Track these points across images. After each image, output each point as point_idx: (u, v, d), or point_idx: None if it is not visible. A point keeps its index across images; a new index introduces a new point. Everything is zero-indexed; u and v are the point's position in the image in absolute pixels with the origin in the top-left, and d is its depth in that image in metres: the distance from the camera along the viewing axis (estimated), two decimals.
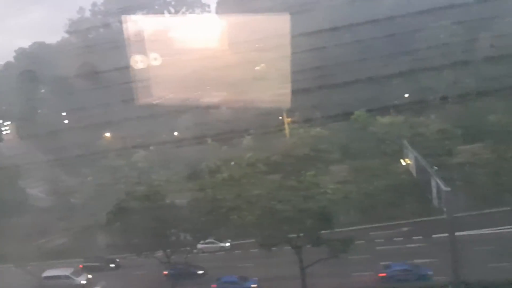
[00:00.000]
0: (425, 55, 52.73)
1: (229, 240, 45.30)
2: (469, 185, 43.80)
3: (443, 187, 34.53)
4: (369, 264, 37.97)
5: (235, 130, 49.24)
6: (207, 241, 44.33)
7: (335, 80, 47.27)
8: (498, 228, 39.69)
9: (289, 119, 49.67)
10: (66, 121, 61.85)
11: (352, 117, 49.45)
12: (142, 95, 40.54)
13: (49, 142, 51.76)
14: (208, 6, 68.11)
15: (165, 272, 39.81)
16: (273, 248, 36.60)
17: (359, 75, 47.76)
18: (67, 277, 40.26)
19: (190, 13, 64.64)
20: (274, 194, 38.26)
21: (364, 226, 43.38)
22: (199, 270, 40.36)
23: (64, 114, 62.09)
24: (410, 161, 43.26)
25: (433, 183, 36.79)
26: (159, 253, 38.96)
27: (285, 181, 41.34)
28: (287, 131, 49.43)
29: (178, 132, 55.64)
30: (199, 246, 43.96)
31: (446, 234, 34.49)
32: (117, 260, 43.38)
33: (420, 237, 41.01)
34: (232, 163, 46.79)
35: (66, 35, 72.66)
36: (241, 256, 42.80)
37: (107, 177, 48.91)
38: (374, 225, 43.45)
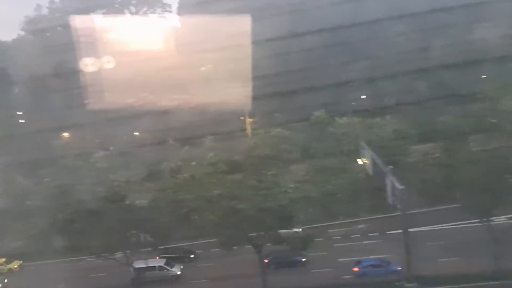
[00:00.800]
0: (382, 60, 54.69)
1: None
2: (422, 183, 45.65)
3: (397, 185, 36.07)
4: (327, 261, 39.05)
5: (196, 130, 49.34)
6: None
7: (297, 83, 48.18)
8: (449, 224, 41.53)
9: (251, 120, 50.26)
10: (22, 121, 60.11)
11: (312, 118, 50.57)
12: (100, 96, 40.11)
13: (3, 142, 50.26)
14: (170, 6, 67.62)
15: (266, 261, 39.12)
16: (234, 247, 37.04)
17: (320, 79, 49.03)
18: (161, 267, 40.42)
19: (151, 13, 64.09)
20: (236, 193, 38.63)
21: (322, 224, 44.49)
22: (302, 258, 39.54)
23: (20, 113, 60.30)
24: (366, 160, 44.81)
25: (388, 182, 38.36)
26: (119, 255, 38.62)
27: (246, 181, 41.82)
28: (248, 131, 50.00)
29: (139, 133, 55.15)
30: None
31: (400, 231, 35.97)
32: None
33: (376, 233, 42.43)
34: (194, 163, 46.87)
35: (23, 33, 70.55)
36: (203, 256, 42.97)
37: (65, 178, 47.93)
38: (332, 223, 44.64)
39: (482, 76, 53.22)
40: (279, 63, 47.88)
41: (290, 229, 38.76)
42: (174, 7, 66.61)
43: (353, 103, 55.08)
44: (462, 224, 39.43)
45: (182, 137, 50.12)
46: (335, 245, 41.50)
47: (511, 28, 53.92)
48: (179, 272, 40.18)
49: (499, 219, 35.45)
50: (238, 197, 37.82)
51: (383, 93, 55.19)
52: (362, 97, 56.44)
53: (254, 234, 36.79)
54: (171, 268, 40.66)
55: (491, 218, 34.53)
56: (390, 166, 41.28)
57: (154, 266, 40.33)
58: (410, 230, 35.41)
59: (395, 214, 38.67)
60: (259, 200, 37.05)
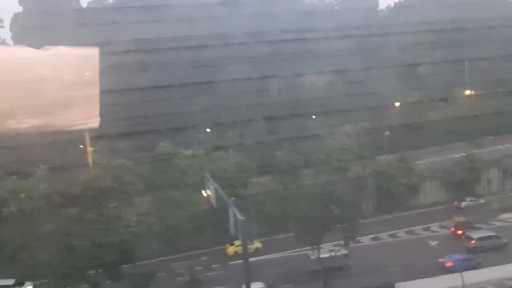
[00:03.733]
0: (225, 92, 57.39)
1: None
2: (261, 214, 48.62)
3: (239, 216, 37.48)
4: None
5: (28, 159, 44.55)
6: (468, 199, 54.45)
7: (143, 114, 47.26)
8: (285, 252, 44.46)
9: (92, 149, 47.40)
10: None
11: (157, 149, 50.00)
12: None
13: None
14: (2, 21, 60.81)
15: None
16: None
17: (163, 109, 49.05)
18: (496, 236, 44.00)
19: None
20: (72, 229, 36.10)
21: (166, 258, 43.78)
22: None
23: None
24: (210, 192, 45.68)
25: (230, 213, 39.55)
26: None
27: (85, 215, 39.33)
28: (89, 161, 47.02)
29: None
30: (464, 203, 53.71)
31: (241, 261, 37.23)
32: None
33: (218, 265, 43.21)
34: (23, 195, 42.14)
35: None
36: None
37: None
38: (176, 256, 44.15)
39: (312, 117, 59.31)
40: (125, 93, 46.47)
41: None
42: (7, 22, 60.21)
43: (198, 135, 56.25)
44: (297, 251, 42.44)
45: (9, 166, 44.68)
46: (178, 279, 40.91)
47: (340, 74, 61.97)
48: (506, 240, 43.36)
49: (327, 246, 39.21)
50: (74, 233, 35.27)
51: (226, 125, 57.62)
52: (207, 130, 58.04)
53: (92, 272, 34.35)
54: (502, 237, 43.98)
55: (321, 246, 37.92)
56: (233, 198, 42.90)
57: (491, 236, 44.17)
58: (251, 259, 36.86)
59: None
60: (98, 235, 35.11)
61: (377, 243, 46.90)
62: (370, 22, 69.07)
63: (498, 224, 49.56)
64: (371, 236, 47.67)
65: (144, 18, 56.08)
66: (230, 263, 42.54)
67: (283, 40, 58.66)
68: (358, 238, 41.46)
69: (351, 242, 38.82)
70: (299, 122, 55.89)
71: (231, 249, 45.14)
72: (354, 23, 63.85)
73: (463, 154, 57.68)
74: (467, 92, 68.25)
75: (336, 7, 78.06)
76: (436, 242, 41.87)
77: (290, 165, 52.46)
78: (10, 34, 58.77)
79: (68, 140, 45.98)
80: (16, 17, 59.61)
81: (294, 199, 49.15)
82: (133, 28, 54.16)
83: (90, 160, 46.64)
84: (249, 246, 41.42)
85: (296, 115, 54.83)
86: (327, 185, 50.76)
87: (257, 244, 45.61)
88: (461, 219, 50.49)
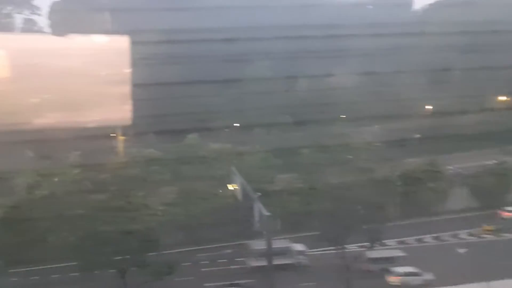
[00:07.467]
0: (249, 87, 57.59)
1: None
2: (285, 211, 48.42)
3: (264, 212, 37.67)
4: (193, 286, 38.73)
5: (61, 145, 45.59)
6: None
7: (173, 107, 47.62)
8: (309, 250, 44.17)
9: (122, 138, 48.22)
10: None
11: (185, 141, 50.49)
12: None
13: None
14: (38, 8, 62.21)
15: None
16: (96, 272, 34.87)
17: (196, 103, 49.40)
18: None
19: (18, 13, 58.22)
20: (100, 214, 36.84)
21: (191, 248, 44.16)
22: None
23: None
24: (236, 186, 45.96)
25: (255, 208, 39.85)
26: None
27: (113, 201, 39.99)
28: (119, 149, 47.88)
29: None
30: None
31: None
32: None
33: (242, 258, 43.37)
34: (56, 179, 43.28)
35: None
36: (60, 280, 39.21)
37: None
38: (200, 247, 44.50)
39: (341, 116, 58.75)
40: (156, 85, 46.90)
41: None
42: (45, 10, 61.61)
43: (226, 130, 56.55)
44: (321, 250, 42.17)
45: (43, 152, 45.79)
46: (202, 269, 41.30)
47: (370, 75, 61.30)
48: None
49: (351, 247, 38.91)
50: (102, 218, 36.04)
51: (254, 121, 57.70)
52: (235, 124, 58.28)
53: (118, 257, 35.08)
54: None
55: (345, 246, 37.64)
56: (258, 193, 42.99)
57: None
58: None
59: (261, 240, 40.14)
60: (125, 222, 35.80)
61: (404, 247, 46.16)
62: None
63: None
64: (396, 239, 47.12)
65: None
66: None
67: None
68: (383, 241, 41.09)
69: (376, 244, 38.49)
70: (326, 122, 55.60)
71: None
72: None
73: (495, 161, 56.31)
74: (502, 98, 66.61)
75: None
76: (464, 250, 41.10)
77: (316, 163, 52.20)
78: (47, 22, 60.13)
79: (99, 128, 47.00)
80: (54, 5, 60.93)
81: (319, 197, 48.83)
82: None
83: (120, 149, 47.53)
84: None
85: (324, 114, 54.50)
86: (353, 185, 50.25)
87: None
88: (490, 227, 49.35)
